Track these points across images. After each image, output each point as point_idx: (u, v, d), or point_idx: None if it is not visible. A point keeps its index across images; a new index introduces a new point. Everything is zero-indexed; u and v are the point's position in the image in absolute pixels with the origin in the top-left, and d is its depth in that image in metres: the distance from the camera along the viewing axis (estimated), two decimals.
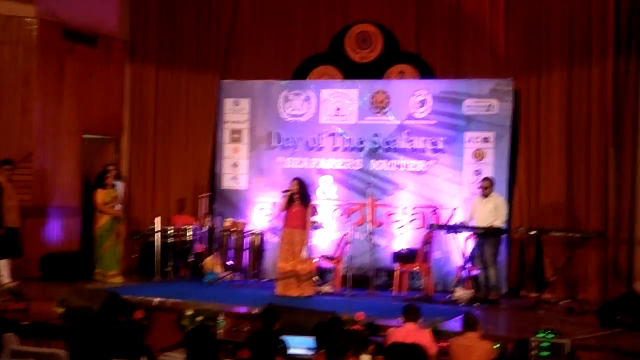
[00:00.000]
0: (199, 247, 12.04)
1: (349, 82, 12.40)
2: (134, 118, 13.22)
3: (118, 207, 11.52)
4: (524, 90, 11.54)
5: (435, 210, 11.40)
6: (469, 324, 7.32)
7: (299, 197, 10.50)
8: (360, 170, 12.11)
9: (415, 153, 11.88)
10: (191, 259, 11.84)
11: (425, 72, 12.21)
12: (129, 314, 8.42)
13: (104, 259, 11.27)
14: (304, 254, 10.45)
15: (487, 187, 10.51)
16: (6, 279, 10.38)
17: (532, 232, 10.71)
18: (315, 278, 10.76)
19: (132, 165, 13.16)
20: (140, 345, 5.46)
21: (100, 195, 11.28)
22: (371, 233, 11.29)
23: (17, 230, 10.67)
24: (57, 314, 8.71)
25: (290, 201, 10.50)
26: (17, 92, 11.42)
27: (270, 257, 11.97)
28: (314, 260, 10.76)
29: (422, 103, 11.90)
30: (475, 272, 10.53)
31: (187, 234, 11.95)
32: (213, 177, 12.89)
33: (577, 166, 11.19)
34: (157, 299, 9.65)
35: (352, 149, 12.20)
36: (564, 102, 11.27)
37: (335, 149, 12.27)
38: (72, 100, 12.10)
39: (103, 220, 11.29)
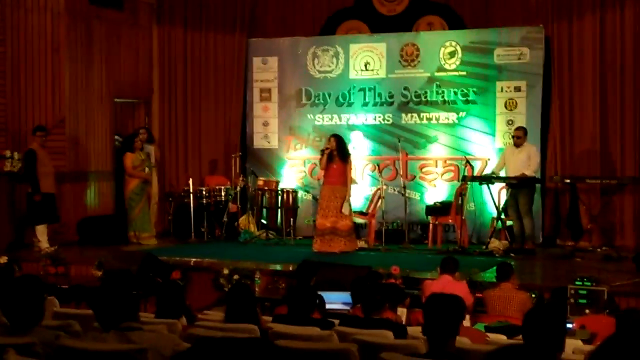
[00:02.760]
0: (232, 207, 12.09)
1: (377, 36, 12.28)
2: (163, 80, 13.23)
3: (147, 170, 11.59)
4: (555, 36, 11.35)
5: (467, 162, 11.33)
6: (504, 275, 7.33)
7: (338, 153, 10.46)
8: (392, 124, 12.05)
9: (446, 105, 11.78)
10: (225, 218, 11.92)
11: (454, 22, 12.04)
12: (167, 275, 8.53)
13: (136, 221, 11.37)
14: (346, 209, 10.44)
15: (520, 136, 10.40)
16: (44, 244, 10.54)
17: (567, 181, 10.63)
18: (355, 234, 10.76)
19: (163, 128, 13.20)
20: (181, 304, 5.53)
21: (129, 159, 11.36)
22: (404, 187, 11.26)
23: (54, 196, 10.81)
24: (95, 276, 8.84)
25: (329, 158, 10.46)
26: (47, 59, 11.47)
27: (303, 215, 12.00)
28: (353, 216, 10.74)
29: (452, 54, 11.76)
30: (509, 222, 10.48)
31: (221, 194, 11.99)
32: (244, 136, 12.90)
33: (611, 112, 11.04)
34: (193, 259, 9.75)
35: (383, 103, 12.13)
36: (596, 47, 11.08)
37: (365, 104, 12.21)
38: (101, 65, 12.13)
39: (133, 184, 11.38)
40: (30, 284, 4.24)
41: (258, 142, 12.84)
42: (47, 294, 4.90)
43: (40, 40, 11.49)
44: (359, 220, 11.29)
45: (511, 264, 7.94)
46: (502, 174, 10.52)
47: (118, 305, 3.94)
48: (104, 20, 12.18)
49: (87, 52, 11.89)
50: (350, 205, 10.56)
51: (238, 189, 12.07)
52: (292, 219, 11.83)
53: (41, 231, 10.64)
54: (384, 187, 11.38)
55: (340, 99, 12.31)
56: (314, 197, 11.71)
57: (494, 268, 7.91)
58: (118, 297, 3.96)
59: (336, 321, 5.36)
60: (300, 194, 12.16)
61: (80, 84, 11.78)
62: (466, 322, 5.91)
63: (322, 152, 10.59)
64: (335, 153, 10.44)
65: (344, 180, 10.49)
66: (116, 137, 12.53)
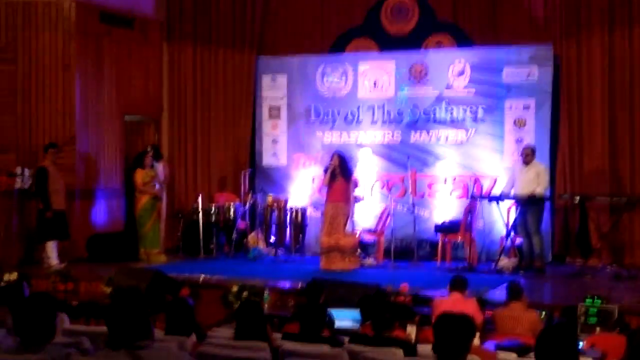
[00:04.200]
0: (241, 224, 12.11)
1: (386, 54, 12.32)
2: (172, 98, 13.30)
3: (158, 186, 11.63)
4: (564, 55, 11.36)
5: (476, 180, 11.32)
6: (513, 294, 7.31)
7: (341, 171, 10.49)
8: (400, 142, 12.07)
9: (455, 123, 11.80)
10: (234, 236, 11.93)
11: (463, 41, 12.07)
12: (176, 292, 8.54)
13: (146, 238, 11.39)
14: (348, 227, 10.45)
15: (528, 154, 10.40)
16: (54, 261, 10.58)
17: (577, 198, 10.61)
18: (358, 252, 10.77)
19: (173, 145, 13.25)
20: (190, 321, 5.54)
21: (140, 176, 11.40)
22: (413, 205, 11.27)
23: (64, 213, 10.86)
24: (105, 293, 8.86)
25: (332, 176, 10.49)
26: (58, 77, 11.55)
27: (312, 232, 12.01)
28: (357, 234, 10.76)
29: (461, 72, 11.79)
30: (519, 240, 10.47)
31: (230, 211, 12.02)
32: (253, 154, 12.94)
33: (620, 130, 11.03)
34: (202, 276, 9.75)
35: (391, 121, 12.16)
36: (605, 66, 11.08)
37: (374, 122, 12.23)
38: (111, 83, 12.21)
39: (143, 200, 11.41)
40: (42, 301, 4.25)
41: (267, 160, 12.87)
42: (57, 310, 4.92)
43: (51, 58, 11.57)
44: (368, 238, 11.28)
45: (521, 284, 7.91)
46: (512, 191, 10.51)
47: (128, 322, 3.94)
48: (115, 38, 12.26)
49: (97, 70, 11.97)
50: (351, 223, 10.55)
51: (247, 206, 12.10)
52: (300, 236, 11.84)
53: (51, 248, 10.69)
54: (393, 204, 11.38)
55: (349, 116, 12.34)
56: (322, 215, 11.71)
57: (503, 286, 7.89)
58: (128, 314, 3.97)
59: (346, 339, 5.36)
60: (309, 211, 12.17)
61: (91, 101, 11.86)
62: (476, 341, 5.90)
63: (326, 169, 10.62)
64: (338, 171, 10.46)
65: (347, 198, 10.51)
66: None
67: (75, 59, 11.59)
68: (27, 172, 10.89)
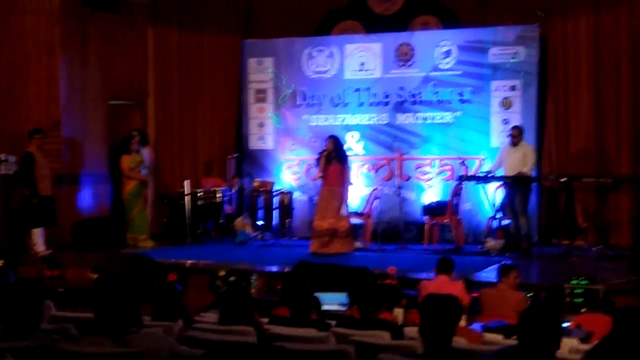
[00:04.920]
0: (228, 209, 12.10)
1: (372, 35, 12.27)
2: (158, 82, 13.22)
3: (144, 171, 11.59)
4: (550, 35, 11.37)
5: (463, 161, 11.32)
6: (500, 274, 7.34)
7: (336, 155, 10.44)
8: (387, 124, 12.05)
9: (441, 105, 11.79)
10: (221, 220, 11.90)
11: (450, 21, 12.04)
12: (163, 277, 8.52)
13: (134, 223, 11.36)
14: (344, 211, 10.43)
15: (516, 135, 10.41)
16: (40, 247, 10.53)
17: (563, 179, 10.64)
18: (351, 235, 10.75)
19: (159, 130, 13.19)
20: (178, 307, 5.53)
21: (126, 161, 11.35)
22: (400, 187, 11.27)
23: (52, 199, 10.80)
24: (92, 279, 8.82)
25: (327, 159, 10.44)
26: (42, 62, 11.45)
27: (299, 216, 12.00)
28: (350, 218, 10.73)
29: (447, 53, 11.77)
30: (505, 221, 10.49)
31: (217, 195, 11.99)
32: (240, 138, 12.90)
33: (606, 110, 11.06)
34: (189, 261, 9.74)
35: (378, 103, 12.13)
36: (591, 46, 11.11)
37: (360, 105, 12.21)
38: (96, 67, 12.12)
39: (130, 186, 11.36)
40: (28, 288, 4.23)
41: (254, 144, 12.83)
42: (44, 297, 4.89)
43: (35, 42, 11.47)
44: (355, 220, 11.29)
45: (511, 263, 7.90)
46: (500, 172, 10.52)
47: (115, 309, 3.93)
48: (99, 22, 12.15)
49: (82, 54, 11.88)
50: (347, 206, 10.55)
51: (234, 190, 12.08)
52: (287, 220, 11.83)
53: (37, 234, 10.62)
54: (380, 187, 11.38)
55: (336, 99, 12.31)
56: (310, 198, 11.70)
57: (490, 267, 7.92)
58: (115, 300, 3.96)
59: (333, 322, 5.36)
60: (296, 195, 12.15)
61: (76, 86, 11.77)
62: (463, 322, 5.92)
63: (320, 154, 10.57)
64: (334, 155, 10.42)
65: (342, 182, 10.47)
66: None
67: (60, 43, 11.49)
68: (11, 158, 10.81)
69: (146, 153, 11.88)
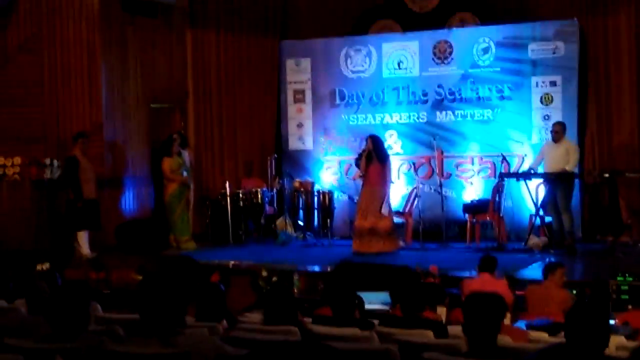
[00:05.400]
0: (269, 209, 12.15)
1: (409, 34, 12.24)
2: (198, 85, 13.31)
3: (185, 173, 11.68)
4: (590, 30, 11.25)
5: (504, 158, 11.24)
6: (546, 272, 7.27)
7: (375, 154, 10.41)
8: (426, 122, 12.01)
9: (481, 102, 11.72)
10: (262, 221, 11.95)
11: (487, 17, 11.96)
12: (206, 278, 8.58)
13: (176, 225, 11.44)
14: (385, 210, 10.41)
15: (558, 131, 10.28)
16: (85, 250, 10.67)
17: (606, 175, 10.51)
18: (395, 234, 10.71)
19: (199, 132, 13.28)
20: (221, 307, 5.57)
21: (167, 163, 11.45)
22: (440, 185, 11.22)
23: (97, 202, 10.93)
24: (136, 281, 8.92)
25: (367, 159, 10.43)
26: (84, 66, 11.60)
27: (340, 215, 12.01)
28: (392, 217, 10.70)
29: (486, 50, 11.70)
30: (548, 218, 10.39)
31: (257, 196, 12.05)
32: (279, 138, 12.94)
33: None
34: (232, 262, 9.80)
35: (417, 101, 12.10)
36: (632, 40, 10.96)
37: (399, 103, 12.18)
38: (136, 71, 12.24)
39: (172, 188, 11.45)
40: (75, 290, 4.30)
41: (293, 144, 12.87)
42: (90, 299, 4.97)
43: (76, 48, 11.61)
44: (397, 219, 11.26)
45: (558, 261, 7.82)
46: (541, 169, 10.42)
47: (159, 310, 3.98)
48: (139, 27, 12.27)
49: (122, 59, 12.01)
50: (389, 205, 10.53)
51: (274, 191, 12.13)
52: (328, 220, 11.84)
53: (83, 238, 10.76)
54: (420, 185, 11.34)
55: (374, 98, 12.30)
56: (350, 198, 11.70)
57: (534, 265, 7.85)
58: (159, 302, 4.00)
59: (376, 321, 5.36)
60: (337, 194, 12.16)
61: (117, 90, 11.90)
62: (507, 320, 5.88)
63: (360, 154, 10.55)
64: (373, 154, 10.40)
65: (383, 181, 10.44)
66: None
67: (100, 47, 11.63)
68: (55, 162, 10.98)
69: (187, 155, 11.97)
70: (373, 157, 10.36)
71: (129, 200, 12.02)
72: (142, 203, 12.21)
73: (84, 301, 4.27)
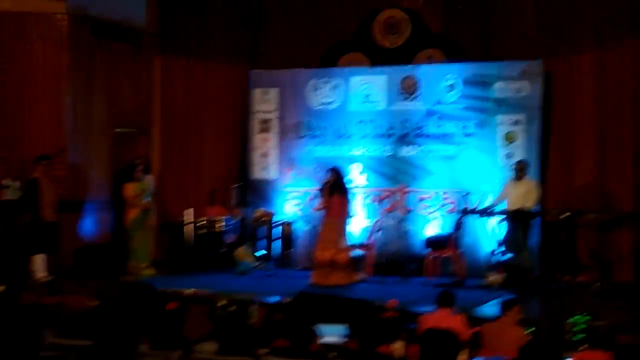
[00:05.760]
0: (230, 238, 12.09)
1: (377, 68, 12.35)
2: (164, 111, 13.24)
3: (147, 199, 11.60)
4: (554, 71, 11.43)
5: (466, 195, 11.33)
6: (503, 309, 7.30)
7: (337, 186, 10.44)
8: (390, 156, 12.08)
9: (445, 138, 11.83)
10: (223, 249, 11.90)
11: (455, 55, 12.12)
12: (163, 306, 8.49)
13: (136, 251, 11.33)
14: (343, 243, 10.41)
15: (520, 169, 10.40)
16: (41, 273, 10.51)
17: (566, 215, 10.61)
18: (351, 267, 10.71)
19: (164, 158, 13.19)
20: (177, 336, 5.52)
21: (130, 189, 11.37)
22: (402, 219, 11.27)
23: (56, 225, 10.78)
24: (91, 306, 8.79)
25: (330, 191, 10.45)
26: (49, 88, 11.50)
27: (300, 247, 11.99)
28: (350, 250, 10.70)
29: (452, 87, 11.84)
30: (507, 256, 10.46)
31: (219, 224, 11.99)
32: (243, 167, 12.92)
33: (609, 147, 11.07)
34: (190, 290, 9.71)
35: (382, 135, 12.17)
36: (596, 82, 11.15)
37: (364, 136, 12.25)
38: (103, 95, 12.16)
39: (133, 213, 11.37)
40: (28, 315, 4.23)
41: (257, 173, 12.87)
42: (44, 324, 4.89)
43: (42, 69, 11.52)
44: (357, 252, 11.27)
45: (514, 298, 7.86)
46: (501, 207, 10.51)
47: (115, 337, 3.93)
48: (107, 51, 12.21)
49: (88, 82, 11.93)
50: (347, 238, 10.54)
51: (236, 220, 12.08)
52: (289, 251, 11.81)
53: (39, 260, 10.60)
54: (383, 219, 11.37)
55: (340, 130, 12.35)
56: (313, 228, 11.69)
57: (492, 302, 7.88)
58: (115, 328, 3.96)
59: (333, 354, 5.34)
60: (298, 225, 12.14)
61: (82, 113, 11.81)
62: (464, 357, 5.88)
63: (322, 186, 10.58)
64: (336, 186, 10.43)
65: (343, 213, 10.46)
66: None
67: (66, 70, 11.55)
68: (15, 184, 10.84)
69: (150, 181, 11.89)
70: (335, 189, 10.39)
71: (88, 224, 11.88)
72: (101, 227, 12.08)
73: (36, 326, 4.20)
